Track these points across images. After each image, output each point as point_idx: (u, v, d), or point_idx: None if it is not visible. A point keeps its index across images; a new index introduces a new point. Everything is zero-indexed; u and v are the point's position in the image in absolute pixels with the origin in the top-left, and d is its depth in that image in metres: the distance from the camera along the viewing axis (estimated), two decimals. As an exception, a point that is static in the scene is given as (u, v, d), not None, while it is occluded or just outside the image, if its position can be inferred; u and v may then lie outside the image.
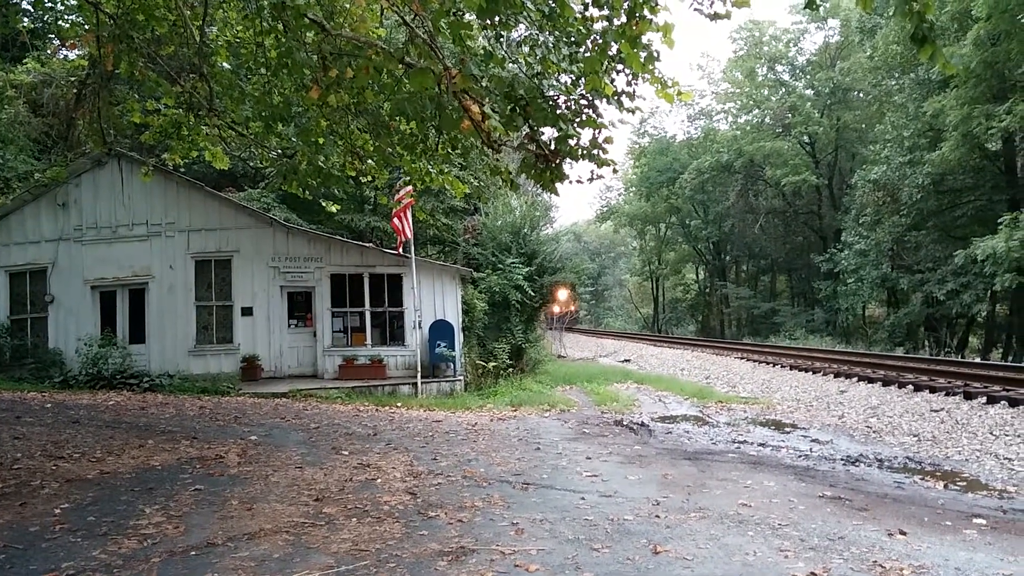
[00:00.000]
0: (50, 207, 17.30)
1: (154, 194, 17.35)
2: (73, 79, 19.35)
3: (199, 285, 17.64)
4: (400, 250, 16.86)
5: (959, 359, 24.09)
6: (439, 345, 17.47)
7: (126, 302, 17.54)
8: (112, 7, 8.95)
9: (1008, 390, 13.15)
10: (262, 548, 5.23)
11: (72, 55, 18.72)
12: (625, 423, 12.87)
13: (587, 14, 6.73)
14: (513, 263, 21.97)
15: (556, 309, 57.55)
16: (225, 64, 9.85)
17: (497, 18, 6.06)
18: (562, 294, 54.37)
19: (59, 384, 15.26)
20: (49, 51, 20.79)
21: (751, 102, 52.28)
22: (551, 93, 6.77)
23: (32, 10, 15.92)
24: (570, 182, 7.26)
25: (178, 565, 4.89)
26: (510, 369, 20.50)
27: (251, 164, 20.41)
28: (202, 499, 6.59)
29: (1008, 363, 22.70)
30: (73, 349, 16.36)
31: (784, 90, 50.17)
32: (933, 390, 14.37)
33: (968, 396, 13.34)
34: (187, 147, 10.72)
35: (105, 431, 9.89)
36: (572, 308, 58.71)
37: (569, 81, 7.02)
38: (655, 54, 6.45)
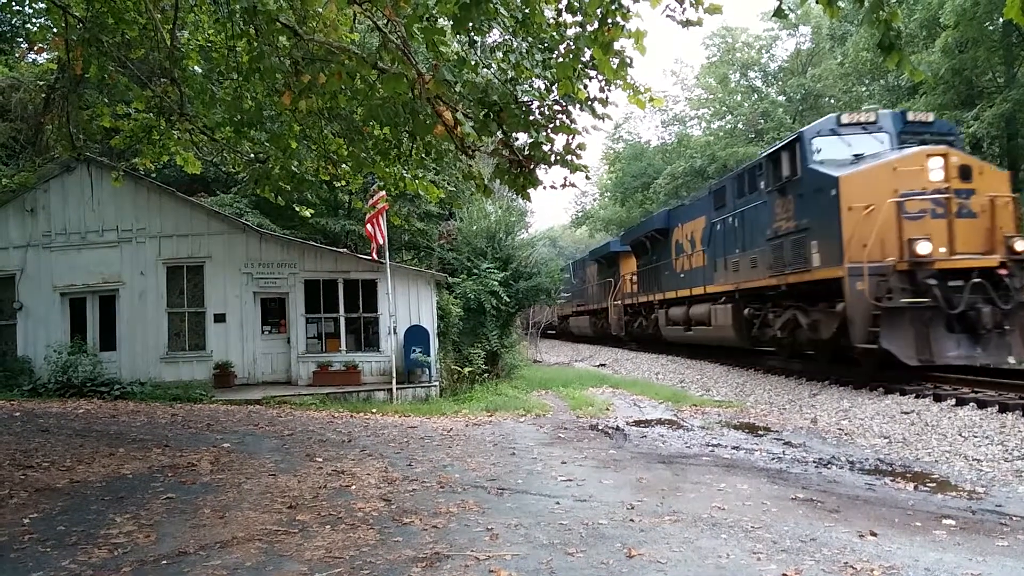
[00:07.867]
0: (18, 213, 17.06)
1: (124, 200, 17.15)
2: (42, 83, 19.10)
3: (171, 291, 17.44)
4: (375, 255, 16.79)
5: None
6: (414, 351, 17.41)
7: (96, 309, 17.32)
8: (81, 10, 8.86)
9: (977, 392, 13.30)
10: (235, 556, 5.19)
11: (41, 59, 18.52)
12: (600, 427, 12.90)
13: (560, 20, 6.77)
14: (488, 268, 21.93)
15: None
16: (196, 68, 9.79)
17: (471, 24, 6.07)
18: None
19: (28, 392, 15.02)
20: (17, 55, 20.51)
21: (724, 108, 52.59)
22: (525, 99, 6.80)
23: (-1, 13, 15.70)
24: (543, 188, 7.28)
25: (149, 574, 4.84)
26: (486, 374, 20.45)
27: (223, 169, 20.27)
28: (174, 507, 6.52)
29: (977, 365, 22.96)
30: (42, 357, 16.11)
31: (756, 96, 50.52)
32: (903, 392, 14.51)
33: (938, 398, 13.49)
34: (158, 152, 10.63)
35: (75, 439, 9.76)
36: None
37: (542, 87, 7.06)
38: (628, 60, 6.48)
